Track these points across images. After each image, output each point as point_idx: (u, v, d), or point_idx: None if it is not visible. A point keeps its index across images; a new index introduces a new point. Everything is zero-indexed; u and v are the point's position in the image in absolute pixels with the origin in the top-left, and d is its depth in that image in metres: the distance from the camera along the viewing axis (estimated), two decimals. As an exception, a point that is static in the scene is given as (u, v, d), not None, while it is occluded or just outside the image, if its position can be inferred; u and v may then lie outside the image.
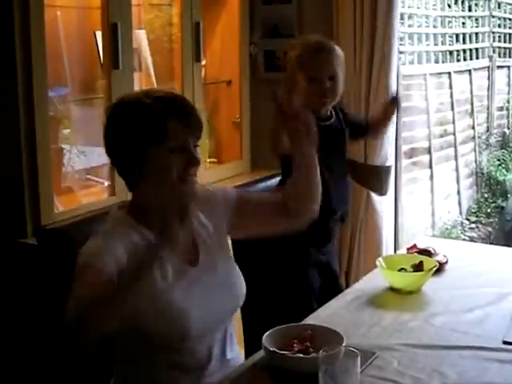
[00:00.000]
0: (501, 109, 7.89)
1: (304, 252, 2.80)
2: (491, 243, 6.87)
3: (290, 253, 2.78)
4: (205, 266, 1.93)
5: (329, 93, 2.73)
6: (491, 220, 7.22)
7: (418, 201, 6.64)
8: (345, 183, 2.91)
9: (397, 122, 3.96)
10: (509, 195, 7.31)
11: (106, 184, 3.25)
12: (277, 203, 2.07)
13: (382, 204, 3.83)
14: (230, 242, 2.20)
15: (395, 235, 4.01)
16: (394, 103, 3.03)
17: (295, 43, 2.82)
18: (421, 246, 2.77)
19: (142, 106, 1.82)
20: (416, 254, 2.68)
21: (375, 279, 2.57)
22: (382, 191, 3.81)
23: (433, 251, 2.71)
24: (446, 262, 2.69)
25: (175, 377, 1.89)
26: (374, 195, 3.80)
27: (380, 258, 2.56)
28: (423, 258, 2.58)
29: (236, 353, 2.06)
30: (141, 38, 3.50)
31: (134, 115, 1.81)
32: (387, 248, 3.84)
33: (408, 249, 2.78)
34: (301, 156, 2.00)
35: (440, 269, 2.61)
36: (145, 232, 1.85)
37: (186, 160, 1.83)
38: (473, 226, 7.13)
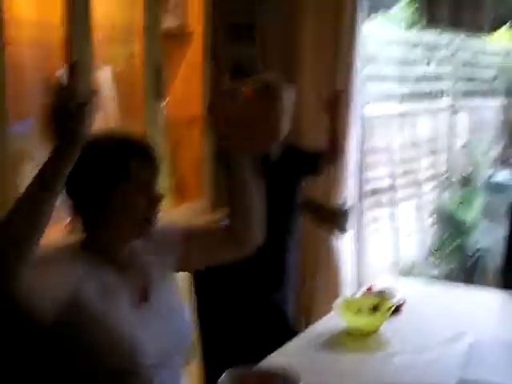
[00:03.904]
0: (462, 148, 7.98)
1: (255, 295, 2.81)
2: (453, 281, 6.92)
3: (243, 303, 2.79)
4: (154, 302, 1.94)
5: None
6: (453, 257, 7.27)
7: (381, 239, 6.66)
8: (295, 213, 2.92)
9: (359, 161, 3.99)
10: (470, 233, 7.37)
11: (66, 222, 3.20)
12: (221, 231, 2.08)
13: (343, 244, 3.84)
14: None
15: (355, 276, 4.01)
16: (332, 100, 3.03)
17: (243, 84, 2.86)
18: (379, 286, 2.78)
19: (103, 149, 1.84)
20: (374, 295, 2.68)
21: (333, 321, 2.57)
22: (342, 231, 3.81)
23: (390, 292, 2.72)
24: (404, 303, 2.70)
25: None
26: (334, 236, 3.80)
27: (337, 300, 2.57)
28: (380, 299, 2.59)
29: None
30: (103, 75, 3.48)
31: (97, 158, 1.83)
32: (347, 288, 3.84)
33: (366, 290, 2.78)
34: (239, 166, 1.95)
35: (397, 309, 2.62)
36: (102, 267, 1.86)
37: (150, 198, 1.87)
38: (435, 263, 7.17)
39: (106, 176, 1.83)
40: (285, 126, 2.75)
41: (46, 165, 1.61)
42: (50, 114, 1.58)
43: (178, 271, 2.12)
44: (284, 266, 2.87)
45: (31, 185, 1.59)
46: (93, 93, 1.63)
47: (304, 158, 2.97)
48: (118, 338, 1.81)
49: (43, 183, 1.59)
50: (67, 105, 1.56)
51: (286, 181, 2.83)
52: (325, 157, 3.04)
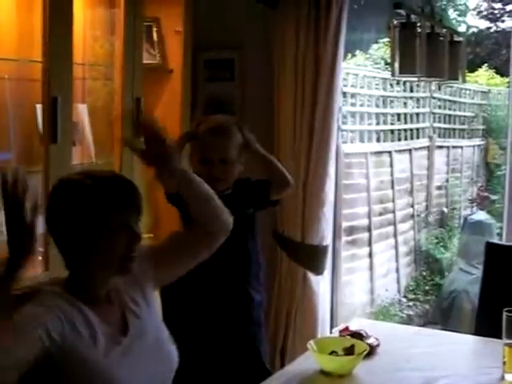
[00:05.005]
0: (440, 188, 8.04)
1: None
2: (428, 321, 6.94)
3: (213, 342, 2.81)
4: (135, 333, 1.95)
5: (220, 175, 2.80)
6: (429, 297, 7.29)
7: (357, 278, 6.68)
8: (250, 252, 2.93)
9: (336, 200, 4.02)
10: (446, 273, 7.41)
11: (40, 258, 3.21)
12: (187, 234, 2.17)
13: (319, 283, 3.85)
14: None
15: (331, 314, 4.03)
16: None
17: (202, 121, 2.92)
18: (353, 328, 2.80)
19: (83, 189, 1.87)
20: (348, 336, 2.70)
21: (307, 362, 2.58)
22: (318, 271, 3.84)
23: (365, 334, 2.74)
24: (378, 345, 2.72)
25: None
26: (310, 274, 3.82)
27: (311, 341, 2.58)
28: (355, 341, 2.60)
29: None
30: (82, 111, 3.51)
31: (76, 198, 1.86)
32: (323, 328, 3.85)
33: (340, 331, 2.80)
34: (172, 174, 2.06)
35: (371, 352, 2.63)
36: (83, 307, 1.87)
37: (129, 237, 1.90)
38: (410, 303, 7.18)
39: (85, 216, 1.85)
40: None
41: None
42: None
43: (159, 286, 2.19)
44: (250, 302, 2.89)
45: None
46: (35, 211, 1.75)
47: (254, 187, 2.99)
48: (98, 377, 1.81)
49: None
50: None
51: (241, 213, 2.85)
52: (273, 185, 3.04)
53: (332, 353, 2.54)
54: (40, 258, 3.19)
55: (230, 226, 2.16)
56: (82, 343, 1.81)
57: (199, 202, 2.12)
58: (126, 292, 2.02)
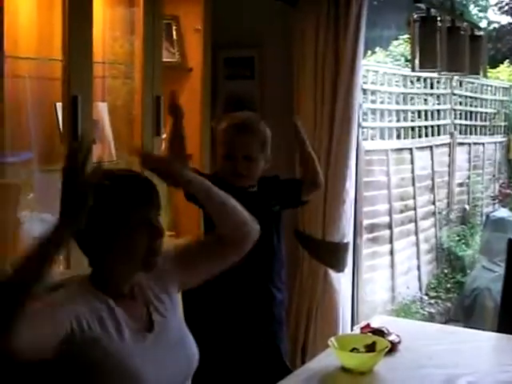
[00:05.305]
0: (461, 185, 8.01)
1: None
2: (450, 319, 6.91)
3: (234, 340, 2.81)
4: (159, 330, 1.97)
5: (244, 171, 2.81)
6: (450, 295, 7.26)
7: (378, 276, 6.66)
8: (274, 250, 2.93)
9: (357, 197, 4.02)
10: (468, 271, 7.38)
11: (61, 256, 3.23)
12: (213, 239, 2.14)
13: (340, 281, 3.85)
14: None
15: (352, 312, 4.02)
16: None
17: (222, 119, 2.93)
18: (374, 325, 2.79)
19: (102, 189, 1.85)
20: (369, 333, 2.70)
21: (328, 359, 2.58)
22: (339, 268, 3.83)
23: (386, 331, 2.73)
24: (399, 342, 2.71)
25: None
26: (331, 272, 3.82)
27: (332, 338, 2.57)
28: (376, 338, 2.60)
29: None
30: (102, 110, 3.52)
31: (95, 206, 1.84)
32: (344, 326, 3.85)
33: (362, 328, 2.80)
34: (187, 184, 2.09)
35: (393, 349, 2.62)
36: (109, 301, 1.89)
37: (150, 234, 1.91)
38: (432, 301, 7.16)
39: (105, 216, 1.87)
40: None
41: (48, 236, 1.67)
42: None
43: (183, 290, 2.19)
44: (272, 300, 2.88)
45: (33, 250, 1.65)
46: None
47: (284, 186, 3.00)
48: (124, 372, 1.83)
49: (44, 252, 1.65)
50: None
51: (266, 211, 2.85)
52: (305, 184, 3.05)
53: (353, 350, 2.54)
54: (61, 256, 3.20)
55: (256, 233, 2.14)
56: (108, 337, 1.83)
57: (220, 213, 2.11)
58: (151, 289, 2.03)
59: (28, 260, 1.63)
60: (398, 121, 7.16)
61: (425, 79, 7.45)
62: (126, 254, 1.91)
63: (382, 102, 6.94)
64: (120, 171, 2.02)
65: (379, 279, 6.68)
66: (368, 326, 2.79)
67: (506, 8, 8.20)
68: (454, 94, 7.93)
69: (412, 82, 7.31)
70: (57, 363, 1.77)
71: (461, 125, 8.06)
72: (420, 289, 7.26)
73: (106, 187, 1.87)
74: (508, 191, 8.16)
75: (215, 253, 2.14)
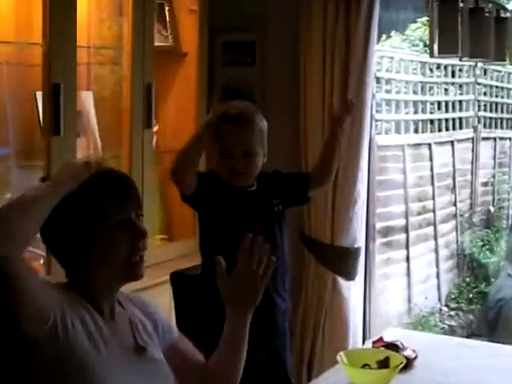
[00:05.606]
0: (485, 184, 8.00)
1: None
2: (472, 333, 6.91)
3: None
4: (142, 354, 1.95)
5: (242, 170, 2.78)
6: (473, 307, 7.26)
7: (393, 285, 6.67)
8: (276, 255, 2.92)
9: (369, 197, 4.02)
10: (492, 279, 7.37)
11: (42, 261, 3.24)
12: (200, 371, 2.12)
13: (350, 290, 3.85)
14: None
15: (364, 325, 4.02)
16: (346, 109, 3.07)
17: (216, 108, 2.85)
18: (388, 339, 2.79)
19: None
20: (382, 348, 2.70)
21: (336, 376, 2.59)
22: (349, 276, 3.83)
23: (401, 345, 2.73)
24: (415, 358, 2.71)
25: None
26: (340, 280, 3.82)
27: (341, 353, 2.57)
28: (390, 353, 2.60)
29: None
30: (87, 99, 3.52)
31: (68, 198, 1.83)
32: (355, 339, 3.85)
33: (374, 342, 2.80)
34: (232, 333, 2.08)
35: (408, 365, 2.62)
36: (90, 309, 1.87)
37: (131, 233, 1.88)
38: (452, 313, 7.16)
39: (80, 218, 1.85)
40: None
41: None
42: None
43: None
44: (273, 308, 2.88)
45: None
46: None
47: (288, 181, 2.99)
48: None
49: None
50: None
51: (267, 212, 2.84)
52: (312, 179, 3.04)
53: (364, 366, 2.54)
54: (41, 261, 3.21)
55: None
56: (91, 343, 1.81)
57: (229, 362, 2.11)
58: (136, 317, 2.01)
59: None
60: (416, 113, 7.16)
61: (445, 67, 7.44)
62: (105, 257, 1.87)
63: (397, 92, 6.93)
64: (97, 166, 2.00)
65: (394, 288, 6.69)
66: (381, 339, 2.80)
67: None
68: (478, 84, 7.93)
69: (431, 69, 7.31)
70: (28, 363, 1.76)
71: (485, 117, 8.05)
72: (439, 299, 7.26)
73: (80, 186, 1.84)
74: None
75: (192, 377, 2.13)
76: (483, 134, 7.94)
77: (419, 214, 7.08)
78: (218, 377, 2.10)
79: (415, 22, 7.33)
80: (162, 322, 2.08)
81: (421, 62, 7.19)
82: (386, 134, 6.83)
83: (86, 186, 1.84)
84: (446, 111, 7.56)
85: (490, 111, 8.10)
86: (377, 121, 6.32)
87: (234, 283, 2.03)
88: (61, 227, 1.85)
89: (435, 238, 7.25)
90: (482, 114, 8.01)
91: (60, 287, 1.89)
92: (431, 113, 7.39)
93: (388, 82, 6.79)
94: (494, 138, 8.15)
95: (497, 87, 8.13)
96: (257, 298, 2.05)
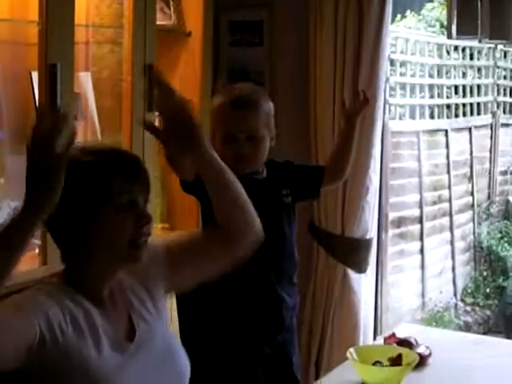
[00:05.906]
0: (504, 173, 8.00)
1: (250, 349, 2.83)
2: (489, 329, 6.92)
3: (237, 349, 2.81)
4: (142, 339, 1.95)
5: (246, 155, 2.77)
6: (490, 302, 7.26)
7: (406, 278, 6.67)
8: (284, 247, 2.92)
9: (382, 186, 4.01)
10: (511, 273, 7.37)
11: (37, 250, 3.24)
12: (210, 235, 2.11)
13: (361, 283, 3.85)
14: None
15: (375, 320, 4.03)
16: (358, 104, 3.08)
17: (219, 92, 2.88)
18: (400, 335, 2.79)
19: (79, 166, 1.84)
20: (394, 344, 2.70)
21: (346, 373, 2.59)
22: (360, 268, 3.83)
23: (414, 342, 2.73)
24: (429, 355, 2.71)
25: None
26: (351, 272, 3.82)
27: (352, 349, 2.58)
28: (402, 349, 2.60)
29: None
30: (85, 81, 3.52)
31: (73, 177, 1.83)
32: (365, 335, 3.85)
33: (386, 338, 2.80)
34: (201, 161, 2.00)
35: (421, 363, 2.63)
36: (85, 303, 1.86)
37: (137, 218, 1.87)
38: (468, 308, 7.17)
39: (83, 196, 1.83)
40: None
41: (10, 226, 1.64)
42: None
43: (174, 293, 2.17)
44: (280, 305, 2.88)
45: None
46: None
47: (302, 173, 2.99)
48: (96, 379, 1.81)
49: (7, 243, 1.62)
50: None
51: (276, 202, 2.84)
52: (327, 173, 3.05)
53: (376, 363, 2.54)
54: (37, 250, 3.22)
55: (257, 236, 2.09)
56: (83, 343, 1.81)
57: (231, 208, 2.07)
58: (133, 292, 2.01)
59: None
60: (432, 97, 7.16)
61: (463, 49, 7.44)
62: (108, 241, 1.86)
63: (412, 76, 6.93)
64: (101, 145, 1.98)
65: (407, 282, 6.69)
66: (393, 335, 2.80)
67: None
68: (498, 67, 7.92)
69: (448, 51, 7.30)
70: (18, 373, 1.76)
71: (505, 103, 8.05)
72: (455, 294, 7.27)
73: (83, 162, 1.84)
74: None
75: (205, 248, 2.11)
76: (502, 120, 7.95)
77: (434, 203, 7.08)
78: (222, 219, 2.05)
79: (432, 1, 7.32)
80: (149, 269, 2.03)
81: (437, 43, 7.18)
82: (400, 119, 6.83)
83: (96, 162, 1.85)
84: (464, 96, 7.55)
85: (510, 96, 8.08)
86: (390, 105, 6.33)
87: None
88: (64, 202, 1.80)
89: (451, 230, 7.25)
90: (501, 98, 8.01)
91: (52, 286, 1.87)
92: (448, 97, 7.38)
93: (403, 64, 6.79)
94: (514, 125, 8.16)
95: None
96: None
